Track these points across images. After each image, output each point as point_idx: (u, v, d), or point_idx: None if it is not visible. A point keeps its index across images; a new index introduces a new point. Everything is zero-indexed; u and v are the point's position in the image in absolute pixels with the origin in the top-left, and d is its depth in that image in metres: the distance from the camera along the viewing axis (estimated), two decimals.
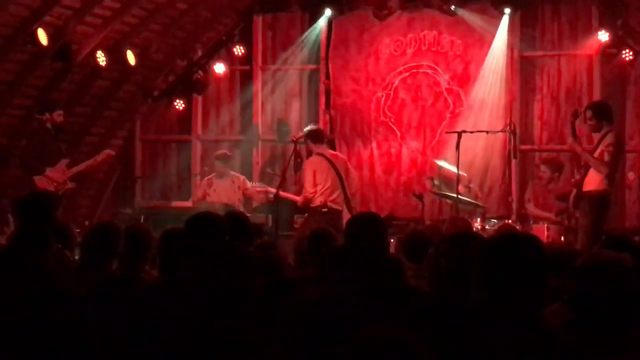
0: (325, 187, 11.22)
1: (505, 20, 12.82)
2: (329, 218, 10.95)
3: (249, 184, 12.67)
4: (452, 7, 13.00)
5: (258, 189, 12.34)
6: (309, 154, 11.83)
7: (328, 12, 13.45)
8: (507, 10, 12.75)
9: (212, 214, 6.10)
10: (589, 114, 10.26)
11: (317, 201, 11.24)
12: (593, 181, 9.97)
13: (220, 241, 5.54)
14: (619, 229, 11.43)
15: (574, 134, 10.33)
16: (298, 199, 11.64)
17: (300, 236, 7.68)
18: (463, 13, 13.03)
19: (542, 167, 11.93)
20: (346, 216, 11.35)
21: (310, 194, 11.23)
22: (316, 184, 11.23)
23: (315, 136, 11.51)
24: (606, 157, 9.92)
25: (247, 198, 12.57)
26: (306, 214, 11.48)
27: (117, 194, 14.51)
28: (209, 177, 12.76)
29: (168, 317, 3.70)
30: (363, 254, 4.52)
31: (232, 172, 12.77)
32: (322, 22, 13.62)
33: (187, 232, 5.65)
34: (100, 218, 13.92)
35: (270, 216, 12.03)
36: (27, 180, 10.95)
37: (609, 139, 9.98)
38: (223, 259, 3.65)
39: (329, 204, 11.22)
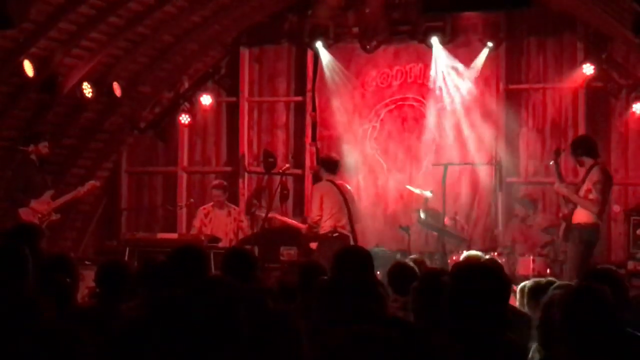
0: (332, 212, 11.21)
1: (484, 54, 12.87)
2: (340, 244, 10.87)
3: (244, 216, 12.75)
4: (432, 40, 12.98)
5: (278, 216, 12.37)
6: (318, 180, 11.81)
7: (318, 44, 13.46)
8: (490, 44, 12.80)
9: (194, 247, 6.07)
10: (570, 150, 10.37)
11: (327, 226, 11.20)
12: (583, 214, 9.99)
13: (201, 274, 5.51)
14: (605, 263, 11.45)
15: (559, 177, 10.34)
16: (302, 226, 11.65)
17: (288, 269, 7.67)
18: (442, 50, 13.04)
19: (517, 206, 12.06)
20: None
21: (317, 217, 11.22)
22: (322, 208, 11.22)
23: (328, 165, 11.59)
24: (593, 195, 9.92)
25: (238, 230, 12.58)
26: (316, 243, 11.41)
27: (103, 226, 14.46)
28: (206, 206, 12.74)
29: (147, 352, 3.67)
30: (350, 287, 4.52)
31: (229, 204, 12.82)
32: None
33: (169, 264, 5.62)
34: (86, 250, 13.88)
35: (256, 248, 11.99)
36: (12, 212, 10.90)
37: (595, 174, 9.99)
38: (206, 292, 3.63)
39: (339, 229, 11.20)
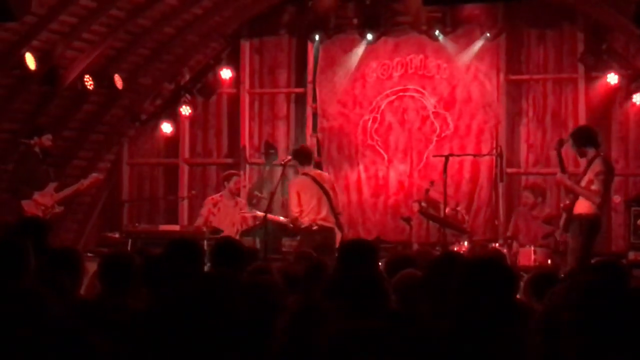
0: (311, 205, 11.16)
1: (479, 43, 12.90)
2: (321, 237, 10.91)
3: (246, 208, 12.78)
4: (436, 33, 13.04)
5: (247, 214, 12.34)
6: (297, 173, 11.79)
7: (316, 36, 13.52)
8: (487, 34, 12.84)
9: (188, 240, 6.09)
10: (570, 141, 10.35)
11: (306, 221, 11.14)
12: (584, 205, 9.99)
13: (198, 267, 5.55)
14: (607, 254, 11.48)
15: (562, 168, 10.32)
16: (286, 221, 11.65)
17: (293, 258, 7.72)
18: (446, 41, 13.09)
19: (525, 193, 12.05)
20: (337, 235, 11.30)
21: (295, 213, 11.18)
22: (300, 204, 11.17)
23: (302, 157, 11.50)
24: (596, 186, 9.92)
25: (242, 221, 12.63)
26: (298, 237, 11.43)
27: (105, 218, 14.51)
28: (214, 196, 12.75)
29: (155, 344, 3.70)
30: (355, 280, 4.55)
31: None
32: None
33: (165, 257, 5.64)
34: (88, 242, 13.92)
35: (258, 239, 12.03)
36: (15, 205, 10.93)
37: (597, 165, 9.98)
38: (206, 284, 3.66)
39: (319, 222, 11.14)
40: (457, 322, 3.97)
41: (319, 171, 11.79)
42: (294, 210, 11.20)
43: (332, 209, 11.27)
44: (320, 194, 11.19)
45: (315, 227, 11.09)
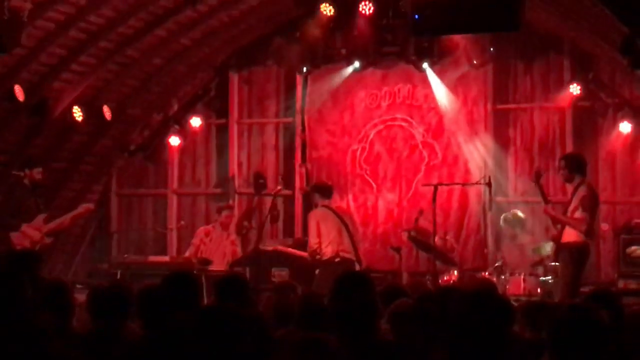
0: (331, 236, 11.03)
1: (461, 71, 12.99)
2: (343, 269, 10.24)
3: (236, 239, 12.77)
4: (424, 65, 13.12)
5: (281, 247, 12.27)
6: (314, 206, 11.68)
7: (304, 67, 13.58)
8: (474, 62, 12.93)
9: (186, 273, 6.09)
10: (561, 164, 10.38)
11: (328, 252, 10.99)
12: (572, 233, 10.02)
13: (193, 301, 5.55)
14: (597, 282, 11.51)
15: (544, 200, 10.35)
16: (304, 254, 11.49)
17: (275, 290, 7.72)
18: (433, 72, 13.16)
19: (504, 226, 12.10)
20: (356, 267, 11.10)
21: (315, 244, 11.04)
22: (320, 234, 11.03)
23: (323, 191, 11.47)
24: (579, 213, 9.94)
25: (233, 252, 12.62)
26: (317, 270, 11.20)
27: (93, 249, 14.42)
28: (207, 227, 12.76)
29: None
30: (351, 313, 4.57)
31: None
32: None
33: (161, 291, 5.63)
34: (76, 273, 13.85)
35: (248, 269, 12.01)
36: (3, 237, 10.87)
37: (582, 191, 10.04)
38: (204, 317, 3.67)
39: (341, 253, 11.00)
40: (452, 354, 4.00)
41: (339, 205, 11.72)
42: (314, 241, 11.05)
43: (352, 241, 11.21)
44: (340, 225, 11.10)
45: (338, 259, 10.94)
